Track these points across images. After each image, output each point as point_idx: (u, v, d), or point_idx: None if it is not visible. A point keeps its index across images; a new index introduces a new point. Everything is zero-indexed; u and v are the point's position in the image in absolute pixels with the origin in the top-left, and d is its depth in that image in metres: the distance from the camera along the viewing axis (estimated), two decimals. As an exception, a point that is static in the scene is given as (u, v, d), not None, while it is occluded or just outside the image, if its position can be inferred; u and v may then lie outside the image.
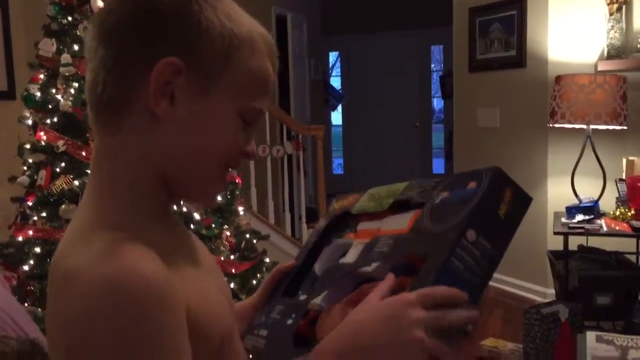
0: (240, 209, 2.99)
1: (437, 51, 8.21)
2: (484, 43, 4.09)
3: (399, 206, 0.86)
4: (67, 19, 2.60)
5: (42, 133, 2.55)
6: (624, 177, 3.04)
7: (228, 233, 2.81)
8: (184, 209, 2.61)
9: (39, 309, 2.39)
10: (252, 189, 4.38)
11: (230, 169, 0.76)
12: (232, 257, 2.78)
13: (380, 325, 0.65)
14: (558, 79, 3.13)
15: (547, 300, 3.07)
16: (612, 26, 3.35)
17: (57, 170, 2.52)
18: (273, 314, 0.90)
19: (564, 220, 2.99)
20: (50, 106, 2.59)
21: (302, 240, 4.39)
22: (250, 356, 0.88)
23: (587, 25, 3.52)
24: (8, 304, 1.63)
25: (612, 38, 3.35)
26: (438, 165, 8.45)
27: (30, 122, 2.68)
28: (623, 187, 3.00)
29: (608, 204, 3.09)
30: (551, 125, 3.18)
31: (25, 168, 2.66)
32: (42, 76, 2.63)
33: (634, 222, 2.82)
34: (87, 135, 2.51)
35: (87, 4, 2.56)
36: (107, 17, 0.69)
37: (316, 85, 7.54)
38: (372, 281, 0.78)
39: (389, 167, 7.81)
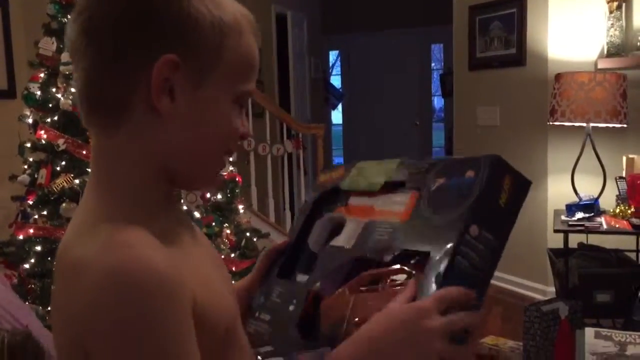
0: (241, 207, 3.00)
1: (437, 49, 8.21)
2: (484, 41, 4.09)
3: (392, 185, 0.85)
4: (67, 18, 2.61)
5: (42, 132, 2.55)
6: (624, 175, 3.04)
7: (228, 231, 2.81)
8: (185, 207, 2.62)
9: (40, 307, 2.39)
10: (253, 188, 4.39)
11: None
12: (232, 255, 2.79)
13: (399, 335, 0.67)
14: (558, 77, 3.13)
15: (547, 298, 3.07)
16: (612, 24, 3.35)
17: (58, 168, 2.53)
18: (272, 296, 0.90)
19: (563, 218, 3.00)
20: (50, 105, 2.59)
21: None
22: (254, 340, 0.88)
23: (587, 23, 3.52)
24: (6, 300, 1.63)
25: (612, 36, 3.35)
26: (438, 164, 8.44)
27: (30, 120, 2.69)
28: (623, 184, 3.01)
29: (608, 201, 3.09)
30: (551, 123, 3.18)
31: (25, 167, 2.66)
32: (42, 75, 2.64)
33: (634, 220, 2.83)
34: (88, 133, 2.52)
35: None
36: (94, 15, 0.68)
37: (316, 84, 7.54)
38: (370, 263, 0.78)
39: (389, 166, 7.79)
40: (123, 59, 0.67)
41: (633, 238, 3.08)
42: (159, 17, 0.67)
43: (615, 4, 3.33)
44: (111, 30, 0.67)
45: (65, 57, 2.53)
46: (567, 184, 3.23)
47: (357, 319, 0.76)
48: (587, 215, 2.95)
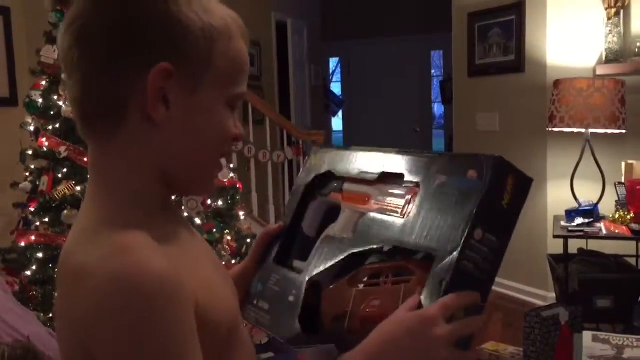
0: (241, 213, 3.01)
1: (437, 56, 8.24)
2: (483, 48, 4.10)
3: (389, 175, 0.84)
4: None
5: (44, 139, 2.57)
6: (623, 180, 3.05)
7: (229, 238, 2.82)
8: (185, 214, 2.63)
9: (42, 314, 2.40)
10: (253, 194, 4.40)
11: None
12: (233, 261, 2.79)
13: (405, 343, 0.68)
14: (556, 83, 3.15)
15: (547, 304, 3.08)
16: (610, 30, 3.37)
17: (59, 176, 2.54)
18: (270, 283, 0.90)
19: (563, 223, 3.00)
20: (52, 112, 2.61)
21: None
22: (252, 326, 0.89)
23: (586, 30, 3.54)
24: (7, 309, 1.63)
25: (610, 42, 3.37)
26: (439, 170, 8.45)
27: (32, 128, 2.70)
28: (622, 190, 3.01)
29: (607, 207, 3.10)
30: (550, 129, 3.19)
31: (27, 174, 2.67)
32: (44, 83, 2.65)
33: (634, 225, 2.83)
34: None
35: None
36: (84, 27, 0.68)
37: (317, 91, 7.56)
38: (369, 256, 0.79)
39: (389, 172, 7.80)
40: (116, 69, 0.68)
41: (632, 243, 3.08)
42: (150, 26, 0.67)
43: (614, 10, 3.35)
44: (103, 40, 0.68)
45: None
46: (567, 189, 3.24)
47: (359, 314, 0.76)
48: (586, 220, 2.96)
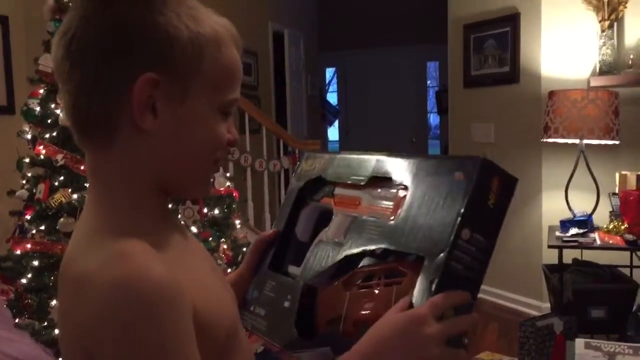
0: (237, 222, 3.01)
1: (432, 67, 8.29)
2: (478, 59, 4.14)
3: (378, 179, 0.85)
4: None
5: (41, 147, 2.57)
6: (617, 191, 3.07)
7: (225, 246, 2.82)
8: (182, 222, 2.63)
9: (37, 322, 2.40)
10: (249, 203, 4.40)
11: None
12: (229, 270, 2.80)
13: (396, 343, 0.69)
14: (551, 94, 3.17)
15: (542, 314, 3.08)
16: (604, 43, 3.40)
17: (56, 183, 2.54)
18: (265, 289, 0.91)
19: (558, 233, 3.02)
20: (49, 120, 2.61)
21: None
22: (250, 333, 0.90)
23: (580, 42, 3.57)
24: None
25: (604, 54, 3.40)
26: (434, 180, 8.47)
27: (29, 136, 2.70)
28: (616, 201, 3.03)
29: (601, 217, 3.12)
30: (545, 140, 3.22)
31: (24, 182, 2.67)
32: (41, 91, 2.66)
33: (627, 236, 2.85)
34: (86, 149, 2.54)
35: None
36: (75, 38, 0.69)
37: (313, 101, 7.59)
38: (361, 259, 0.81)
39: (385, 182, 7.82)
40: (104, 80, 0.69)
41: (626, 254, 3.10)
42: (135, 38, 0.68)
43: (607, 23, 3.39)
44: (91, 52, 0.69)
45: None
46: (561, 200, 3.26)
47: (353, 317, 0.78)
48: (581, 231, 2.98)
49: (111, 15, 0.69)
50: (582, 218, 3.06)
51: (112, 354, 0.62)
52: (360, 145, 8.18)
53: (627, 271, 3.10)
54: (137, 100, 0.68)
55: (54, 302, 2.43)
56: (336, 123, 8.75)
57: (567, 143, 3.26)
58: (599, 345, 1.01)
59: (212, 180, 0.80)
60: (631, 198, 2.90)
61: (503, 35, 3.92)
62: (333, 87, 8.93)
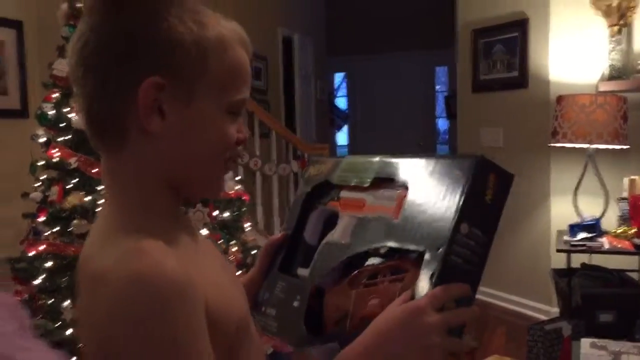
0: (247, 225, 3.04)
1: (441, 72, 8.30)
2: (487, 64, 4.15)
3: (381, 180, 0.88)
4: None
5: (55, 150, 2.61)
6: (625, 195, 3.08)
7: (235, 249, 2.85)
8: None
9: (50, 323, 2.43)
10: (259, 207, 4.43)
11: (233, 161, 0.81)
12: (238, 272, 2.82)
13: (397, 334, 0.72)
14: (559, 99, 3.18)
15: (550, 318, 3.09)
16: (612, 48, 3.41)
17: (69, 186, 2.57)
18: (276, 291, 0.94)
19: (566, 238, 3.02)
20: (63, 124, 2.65)
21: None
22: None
23: (588, 47, 3.58)
24: (22, 348, 1.62)
25: (613, 59, 3.40)
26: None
27: (43, 139, 2.74)
28: (625, 205, 3.04)
29: (610, 222, 3.12)
30: (553, 144, 3.22)
31: (37, 184, 2.71)
32: (55, 95, 2.70)
33: (636, 240, 2.85)
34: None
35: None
36: (85, 45, 0.73)
37: (322, 106, 7.62)
38: (367, 258, 0.83)
39: (393, 187, 7.83)
40: (113, 85, 0.72)
41: (635, 258, 3.10)
42: (140, 43, 0.71)
43: (616, 28, 3.40)
44: (100, 57, 0.72)
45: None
46: (570, 204, 3.26)
47: (359, 314, 0.80)
48: (589, 235, 2.98)
49: (117, 23, 0.71)
50: (590, 222, 3.07)
51: (125, 348, 0.64)
52: (368, 150, 8.17)
53: (635, 276, 3.10)
54: (142, 103, 0.71)
55: (66, 303, 2.46)
56: (345, 128, 8.77)
57: (575, 148, 3.26)
58: (604, 345, 1.02)
59: (224, 180, 0.82)
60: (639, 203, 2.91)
61: (512, 40, 3.93)
62: (342, 91, 8.96)
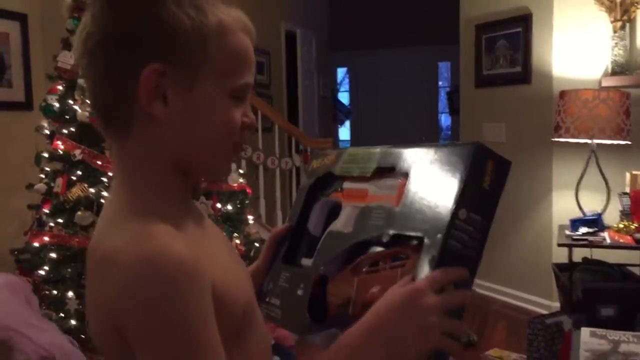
0: (250, 218, 3.05)
1: (444, 67, 8.30)
2: (490, 59, 4.15)
3: (383, 170, 0.90)
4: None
5: (59, 142, 2.62)
6: (627, 190, 3.08)
7: (238, 241, 2.87)
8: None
9: (54, 313, 2.45)
10: (261, 200, 4.45)
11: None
12: (241, 265, 2.84)
13: (397, 315, 0.73)
14: (562, 94, 3.19)
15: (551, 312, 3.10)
16: (616, 43, 3.41)
17: (74, 178, 2.59)
18: (280, 281, 0.96)
19: (568, 232, 3.03)
20: (67, 116, 2.67)
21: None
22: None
23: (591, 42, 3.58)
24: (30, 325, 1.65)
25: (616, 55, 3.40)
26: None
27: (47, 131, 2.76)
28: (626, 200, 3.04)
29: (612, 217, 3.13)
30: (556, 139, 3.23)
31: (42, 176, 2.73)
32: (60, 87, 2.72)
33: (638, 235, 2.86)
34: (103, 144, 2.59)
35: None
36: (89, 36, 0.74)
37: (324, 101, 7.63)
38: (369, 246, 0.85)
39: (396, 182, 7.84)
40: (116, 73, 0.74)
41: (636, 253, 3.11)
42: (140, 31, 0.73)
43: (620, 23, 3.40)
44: (102, 48, 0.74)
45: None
46: (572, 199, 3.27)
47: (361, 300, 0.82)
48: (591, 230, 2.99)
49: (117, 12, 0.73)
50: (592, 217, 3.07)
51: (137, 328, 0.66)
52: (371, 145, 8.19)
53: (637, 270, 3.10)
54: (143, 89, 0.73)
55: (70, 294, 2.48)
56: (347, 123, 8.78)
57: (578, 143, 3.27)
58: (604, 334, 1.03)
59: (231, 164, 0.84)
60: (641, 198, 2.91)
61: (515, 36, 3.93)
62: (345, 86, 8.96)
